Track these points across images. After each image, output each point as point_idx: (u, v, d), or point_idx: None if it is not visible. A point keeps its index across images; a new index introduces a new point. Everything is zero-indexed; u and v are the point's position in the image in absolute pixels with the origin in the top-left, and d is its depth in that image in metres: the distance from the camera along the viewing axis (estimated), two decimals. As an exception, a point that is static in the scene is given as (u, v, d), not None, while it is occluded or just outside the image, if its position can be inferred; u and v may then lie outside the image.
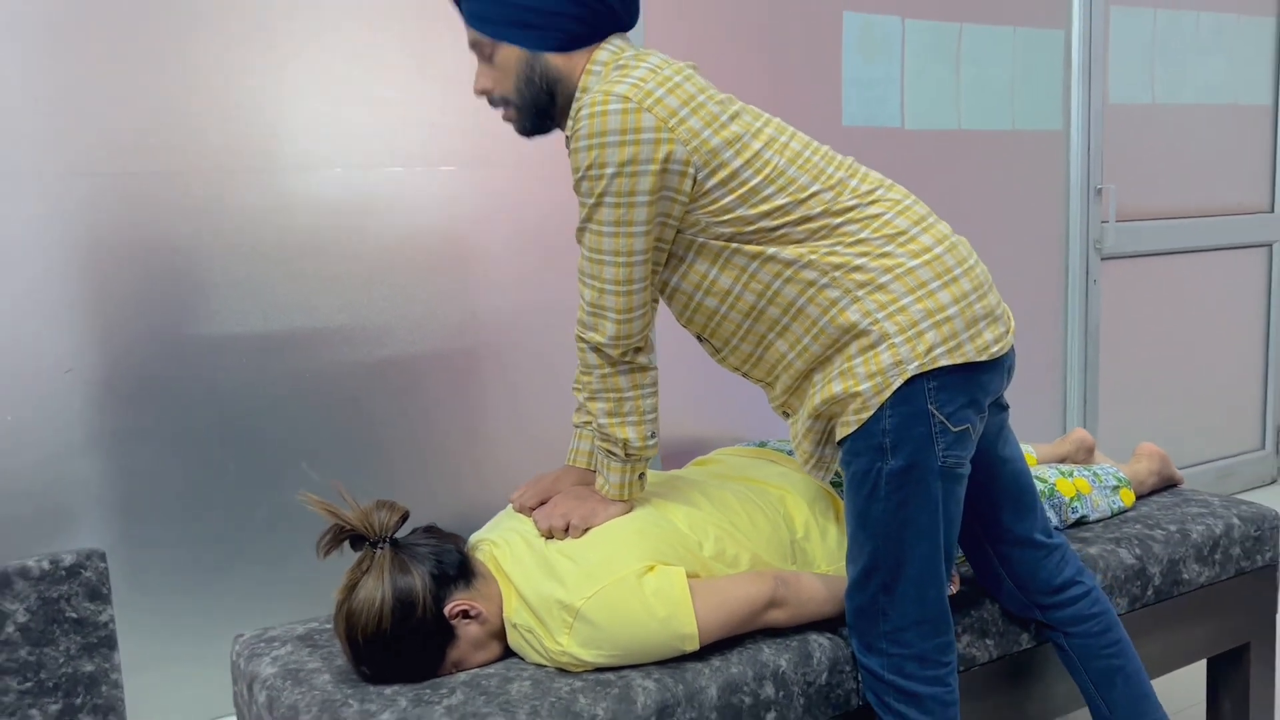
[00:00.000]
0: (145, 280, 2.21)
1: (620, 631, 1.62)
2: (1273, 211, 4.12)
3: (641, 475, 1.77)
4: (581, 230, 1.65)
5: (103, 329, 2.18)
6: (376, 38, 2.40)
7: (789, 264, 1.64)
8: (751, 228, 1.64)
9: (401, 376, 2.49)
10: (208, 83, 2.24)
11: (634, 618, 1.62)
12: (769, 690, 1.69)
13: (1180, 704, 2.63)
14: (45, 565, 1.81)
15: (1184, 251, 3.89)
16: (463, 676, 1.66)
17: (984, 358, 1.65)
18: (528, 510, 1.83)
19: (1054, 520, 2.19)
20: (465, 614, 1.65)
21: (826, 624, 1.82)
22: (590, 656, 1.63)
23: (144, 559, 2.25)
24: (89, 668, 1.84)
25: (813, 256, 1.64)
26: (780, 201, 1.63)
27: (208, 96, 2.24)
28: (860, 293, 1.63)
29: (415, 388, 2.51)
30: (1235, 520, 2.27)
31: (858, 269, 1.63)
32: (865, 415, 1.63)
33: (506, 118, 1.73)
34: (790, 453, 2.09)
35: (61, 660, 1.82)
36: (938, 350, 1.61)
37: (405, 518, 1.69)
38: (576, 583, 1.64)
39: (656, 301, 1.81)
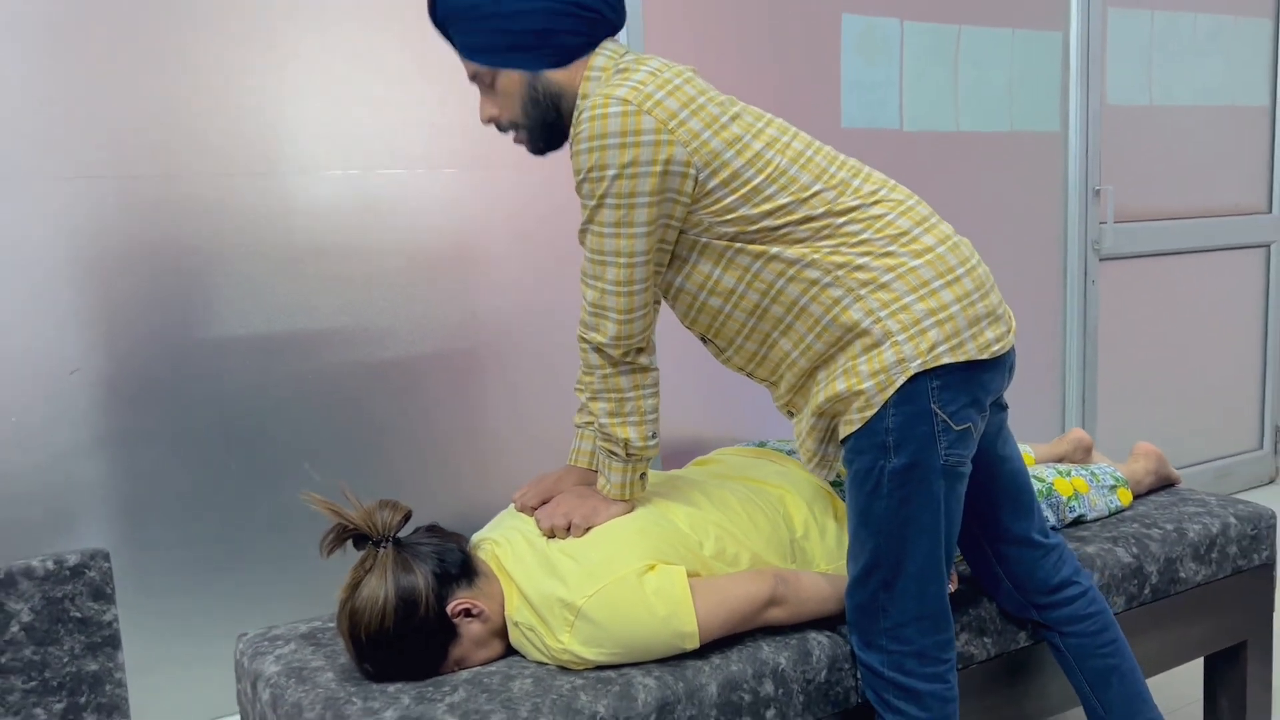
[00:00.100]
0: (148, 282, 2.23)
1: (621, 630, 1.64)
2: (1270, 212, 4.13)
3: (643, 475, 1.78)
4: (583, 231, 1.67)
5: (106, 331, 2.19)
6: (378, 40, 2.41)
7: (792, 263, 1.66)
8: (754, 227, 1.65)
9: (403, 377, 2.50)
10: (209, 85, 2.25)
11: (635, 616, 1.64)
12: (769, 688, 1.70)
13: (1177, 702, 2.65)
14: (50, 565, 1.82)
15: (1182, 252, 3.90)
16: (465, 674, 1.67)
17: (986, 356, 1.66)
18: (529, 510, 1.84)
19: (1052, 520, 2.20)
20: (467, 612, 1.67)
21: (825, 622, 1.83)
22: (591, 654, 1.65)
23: (148, 559, 2.27)
24: (93, 667, 1.85)
25: (815, 256, 1.65)
26: (782, 201, 1.65)
27: (209, 98, 2.25)
28: (863, 291, 1.64)
29: (417, 388, 2.52)
30: (1232, 519, 2.28)
31: (860, 268, 1.64)
32: (869, 413, 1.64)
33: (517, 140, 1.75)
34: (790, 452, 2.10)
35: (66, 659, 1.83)
36: (940, 348, 1.62)
37: (408, 517, 1.70)
38: (578, 581, 1.65)
39: (659, 303, 1.82)
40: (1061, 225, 3.59)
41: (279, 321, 2.35)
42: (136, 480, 2.24)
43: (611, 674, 1.65)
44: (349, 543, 1.73)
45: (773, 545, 1.84)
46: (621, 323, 1.67)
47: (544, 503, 1.83)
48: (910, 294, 1.63)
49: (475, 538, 1.86)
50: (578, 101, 1.68)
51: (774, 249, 1.66)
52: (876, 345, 1.63)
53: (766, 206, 1.64)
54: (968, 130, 3.33)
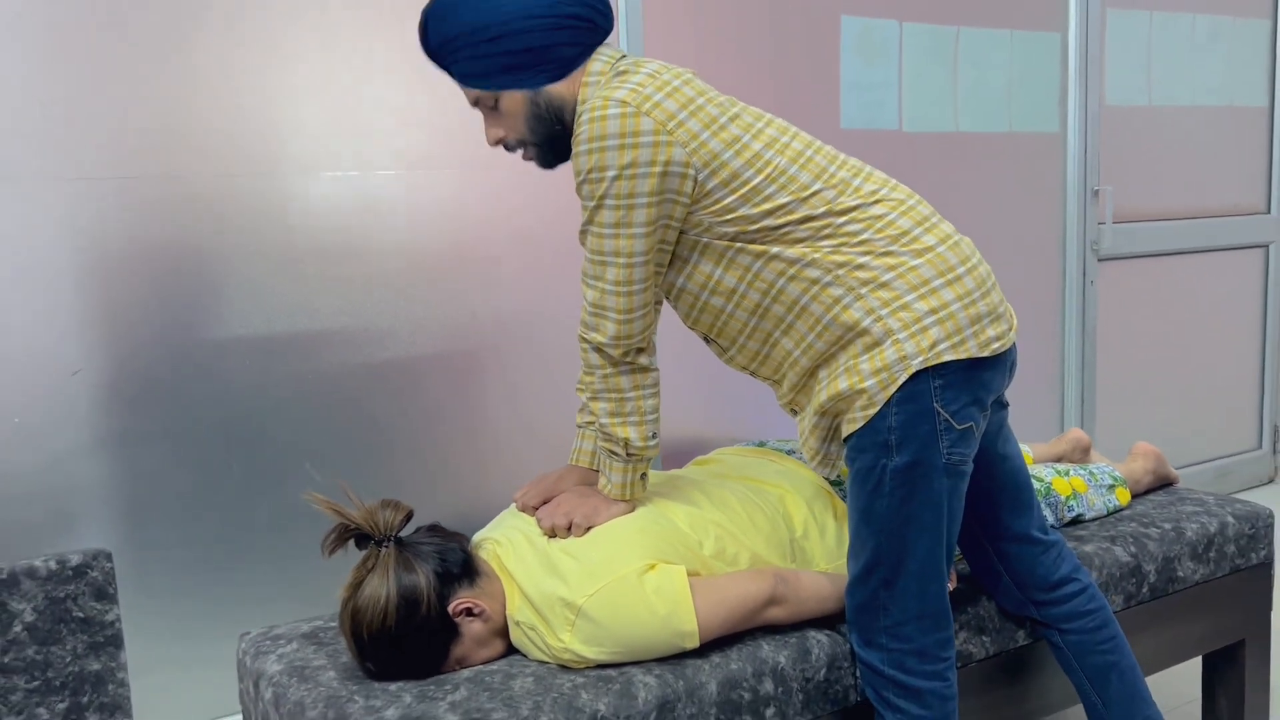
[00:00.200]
0: (149, 283, 2.23)
1: (622, 629, 1.64)
2: (1269, 213, 4.14)
3: (643, 475, 1.79)
4: (584, 232, 1.68)
5: (108, 332, 2.20)
6: (378, 40, 2.42)
7: (792, 262, 1.66)
8: (755, 227, 1.66)
9: (403, 377, 2.51)
10: (209, 85, 2.26)
11: (635, 615, 1.64)
12: (768, 686, 1.70)
13: (1176, 700, 2.65)
14: (52, 565, 1.82)
15: (1181, 253, 3.90)
16: (466, 673, 1.68)
17: (986, 353, 1.66)
18: (531, 509, 1.85)
19: (1050, 519, 2.21)
20: (469, 611, 1.67)
21: (825, 621, 1.84)
22: (592, 653, 1.65)
23: (150, 559, 2.27)
24: (95, 666, 1.86)
25: (816, 255, 1.66)
26: (782, 200, 1.65)
27: (211, 100, 2.26)
28: (863, 290, 1.65)
29: (417, 388, 2.52)
30: (1230, 518, 2.29)
31: (861, 267, 1.65)
32: (871, 412, 1.64)
33: (527, 158, 1.76)
34: (789, 452, 2.11)
35: (68, 659, 1.84)
36: (941, 345, 1.63)
37: (409, 516, 1.71)
38: (579, 581, 1.66)
39: (660, 304, 1.83)
40: (1060, 226, 3.60)
41: (279, 322, 2.36)
42: (138, 481, 2.25)
43: (612, 672, 1.66)
44: (351, 542, 1.74)
45: (772, 544, 1.85)
46: (621, 322, 1.68)
47: (545, 502, 1.84)
48: (911, 292, 1.64)
49: (476, 537, 1.87)
50: (578, 107, 1.69)
51: (774, 249, 1.67)
52: (877, 344, 1.64)
53: (766, 206, 1.65)
54: (967, 131, 3.34)
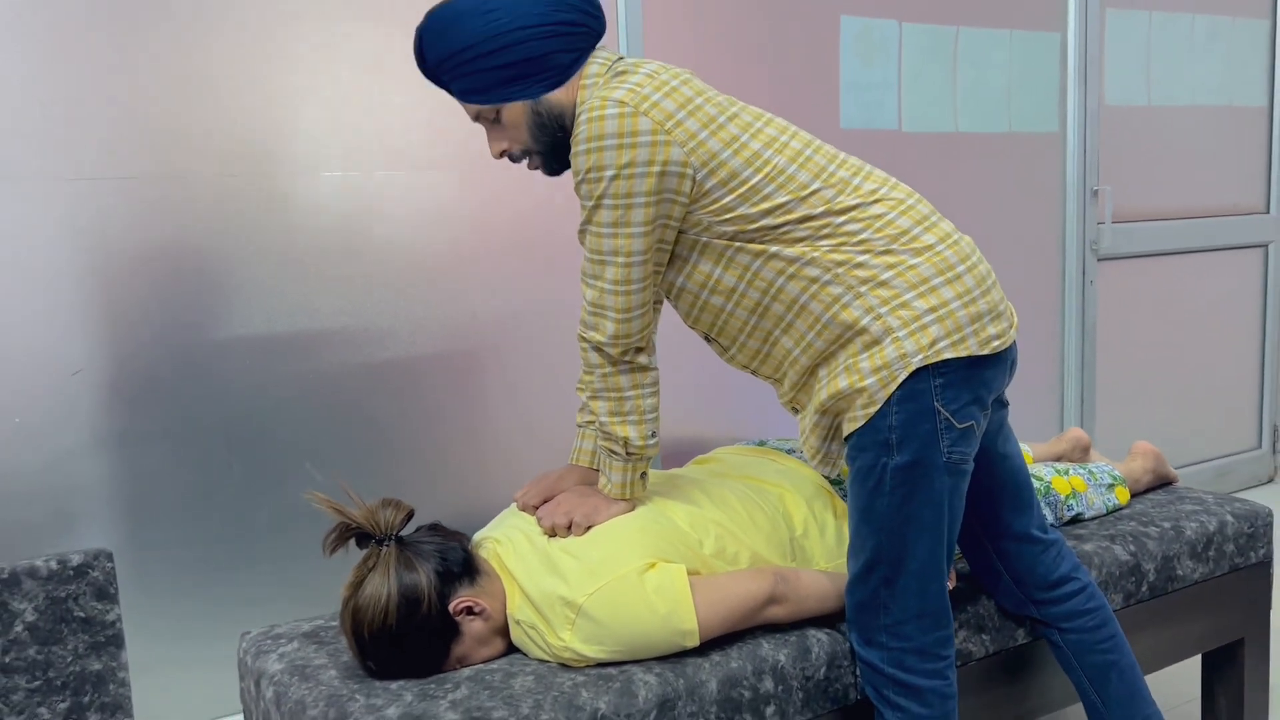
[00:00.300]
0: (150, 283, 2.24)
1: (622, 627, 1.65)
2: (1268, 212, 4.14)
3: (643, 474, 1.79)
4: (582, 232, 1.68)
5: (109, 332, 2.20)
6: (378, 41, 2.42)
7: (792, 261, 1.67)
8: (754, 226, 1.66)
9: (403, 377, 2.51)
10: (212, 87, 2.26)
11: (635, 614, 1.65)
12: (768, 684, 1.71)
13: (1176, 699, 2.65)
14: (53, 565, 1.82)
15: (1180, 252, 3.91)
16: (467, 672, 1.68)
17: (987, 351, 1.67)
18: (531, 508, 1.85)
19: (1050, 518, 2.21)
20: (469, 610, 1.68)
21: (825, 619, 1.84)
22: (592, 652, 1.66)
23: (150, 559, 2.28)
24: (96, 666, 1.86)
25: (815, 254, 1.66)
26: (781, 199, 1.66)
27: (212, 100, 2.26)
28: (863, 289, 1.65)
29: (417, 388, 2.53)
30: (1229, 517, 2.29)
31: (860, 265, 1.65)
32: (872, 410, 1.65)
33: (532, 166, 1.76)
34: (790, 451, 2.11)
35: (69, 659, 1.84)
36: (941, 343, 1.63)
37: (410, 516, 1.71)
38: (579, 579, 1.66)
39: (660, 303, 1.83)
40: (1060, 225, 3.60)
41: (280, 322, 2.36)
42: (139, 480, 2.25)
43: (612, 671, 1.66)
44: (352, 541, 1.74)
45: (773, 543, 1.85)
46: (620, 321, 1.68)
47: (545, 501, 1.84)
48: (910, 291, 1.64)
49: (477, 536, 1.87)
50: (577, 109, 1.69)
51: (773, 247, 1.67)
52: (877, 342, 1.64)
53: (765, 205, 1.65)
54: (966, 131, 3.34)
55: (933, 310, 1.64)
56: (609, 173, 1.61)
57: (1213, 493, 2.43)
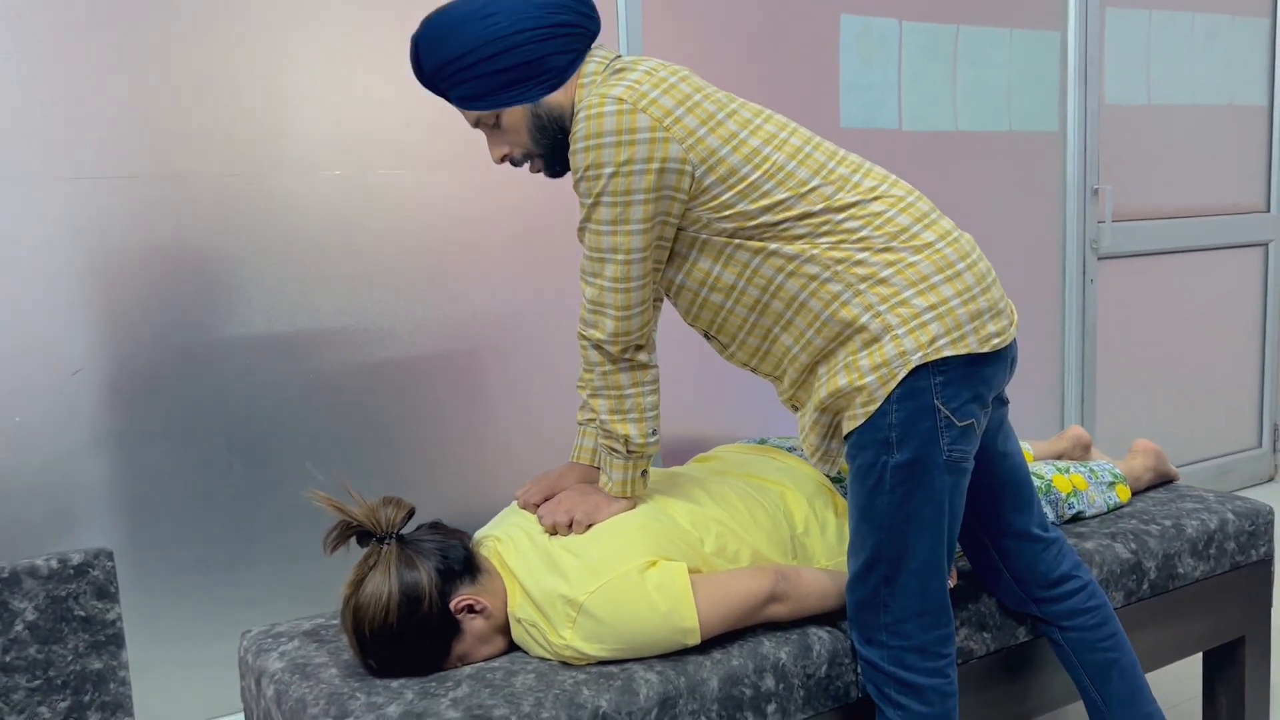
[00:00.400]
0: (150, 283, 2.24)
1: (623, 626, 1.64)
2: (1268, 211, 4.14)
3: (644, 472, 1.79)
4: (582, 229, 1.68)
5: (109, 331, 2.20)
6: (378, 40, 2.42)
7: (791, 259, 1.67)
8: (753, 223, 1.66)
9: (404, 376, 2.51)
10: (209, 85, 2.26)
11: (636, 612, 1.65)
12: (769, 682, 1.71)
13: (1177, 697, 2.65)
14: (54, 564, 1.82)
15: (1180, 251, 3.91)
16: (468, 670, 1.68)
17: (987, 349, 1.66)
18: (532, 507, 1.85)
19: (1050, 516, 2.21)
20: (470, 609, 1.68)
21: (826, 617, 1.84)
22: (593, 650, 1.66)
23: (151, 558, 2.28)
24: (97, 665, 1.86)
25: (814, 251, 1.66)
26: (780, 196, 1.66)
27: (209, 98, 2.26)
28: (862, 286, 1.65)
29: (418, 387, 2.53)
30: (1230, 515, 2.29)
31: (859, 263, 1.65)
32: (872, 408, 1.64)
33: (534, 170, 1.76)
34: (790, 449, 2.11)
35: (70, 658, 1.84)
36: (941, 341, 1.63)
37: (411, 514, 1.71)
38: (580, 578, 1.66)
39: (660, 301, 1.83)
40: (1060, 224, 3.60)
41: (280, 321, 2.37)
42: (139, 480, 2.25)
43: (613, 669, 1.66)
44: (353, 540, 1.74)
45: (773, 541, 1.85)
46: (619, 319, 1.68)
47: (546, 500, 1.84)
48: (909, 289, 1.64)
49: (478, 535, 1.87)
50: (575, 108, 1.69)
51: (773, 245, 1.67)
52: (876, 340, 1.64)
53: (764, 202, 1.65)
54: (966, 130, 3.34)
55: (932, 308, 1.64)
56: (608, 170, 1.61)
57: (1214, 491, 2.43)
